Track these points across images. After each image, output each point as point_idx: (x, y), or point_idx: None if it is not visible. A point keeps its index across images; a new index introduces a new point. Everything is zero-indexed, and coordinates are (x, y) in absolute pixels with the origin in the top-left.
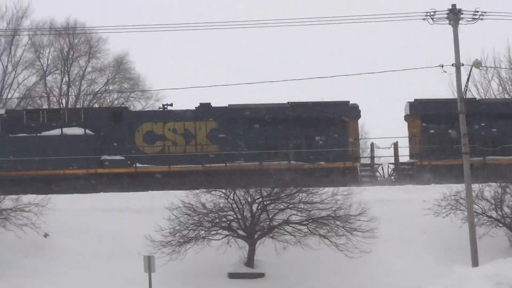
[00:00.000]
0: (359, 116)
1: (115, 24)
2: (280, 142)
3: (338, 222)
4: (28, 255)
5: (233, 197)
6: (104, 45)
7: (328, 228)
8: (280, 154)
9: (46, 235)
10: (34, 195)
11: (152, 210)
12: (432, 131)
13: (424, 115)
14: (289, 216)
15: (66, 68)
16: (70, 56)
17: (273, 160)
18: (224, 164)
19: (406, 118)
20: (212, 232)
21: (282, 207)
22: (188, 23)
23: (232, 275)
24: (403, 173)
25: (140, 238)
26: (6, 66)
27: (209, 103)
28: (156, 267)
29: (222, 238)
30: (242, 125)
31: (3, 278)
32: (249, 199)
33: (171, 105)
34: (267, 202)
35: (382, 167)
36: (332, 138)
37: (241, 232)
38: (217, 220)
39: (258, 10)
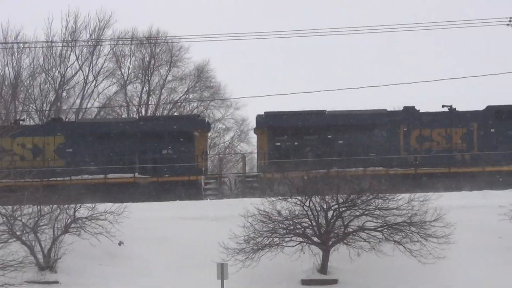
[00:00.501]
0: (209, 130)
1: (197, 33)
2: (127, 156)
3: (413, 228)
4: (102, 263)
5: (309, 204)
6: (185, 53)
7: (403, 234)
8: (125, 167)
9: (120, 243)
10: (110, 204)
11: (227, 218)
12: (278, 143)
13: (271, 127)
14: (364, 222)
15: (146, 77)
16: (151, 65)
17: (118, 173)
18: (69, 179)
19: (255, 131)
20: (286, 239)
21: (357, 213)
22: (275, 31)
23: (305, 282)
24: (248, 186)
25: (214, 246)
26: (87, 76)
27: (60, 118)
28: (229, 274)
29: (296, 245)
30: (90, 140)
31: (77, 286)
32: (325, 206)
33: (23, 120)
34: (343, 209)
35: (229, 180)
36: (179, 151)
37: (315, 239)
38: (292, 227)
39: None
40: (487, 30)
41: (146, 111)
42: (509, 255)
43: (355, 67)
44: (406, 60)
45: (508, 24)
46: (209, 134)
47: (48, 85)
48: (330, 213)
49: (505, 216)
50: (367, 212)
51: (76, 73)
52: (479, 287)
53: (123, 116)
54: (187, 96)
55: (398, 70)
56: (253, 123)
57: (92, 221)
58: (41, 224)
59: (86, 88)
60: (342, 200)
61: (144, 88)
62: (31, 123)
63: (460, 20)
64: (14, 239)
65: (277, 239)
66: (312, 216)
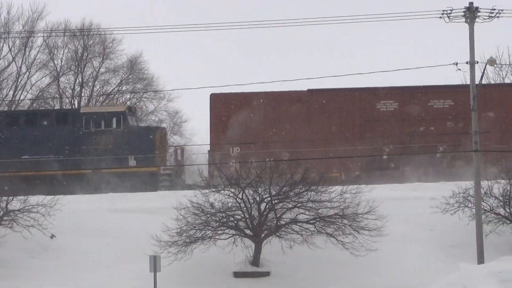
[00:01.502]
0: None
1: (130, 25)
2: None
3: (345, 221)
4: (34, 256)
5: (242, 196)
6: (118, 45)
7: (335, 226)
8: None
9: (52, 236)
10: (43, 196)
11: (160, 210)
12: None
13: None
14: (296, 215)
15: (79, 69)
16: (84, 57)
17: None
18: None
19: None
20: (219, 232)
21: (290, 206)
22: (202, 24)
23: (237, 274)
24: None
25: (147, 238)
26: (20, 68)
27: None
28: (162, 267)
29: (229, 237)
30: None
31: (9, 279)
32: (258, 198)
33: None
34: (276, 201)
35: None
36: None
37: (248, 232)
38: (225, 220)
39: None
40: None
41: (79, 103)
42: (440, 247)
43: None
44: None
45: (440, 17)
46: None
47: None
48: (263, 206)
49: (436, 209)
50: (299, 204)
51: (9, 64)
52: (410, 278)
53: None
54: (120, 88)
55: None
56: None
57: (25, 213)
58: None
59: (19, 80)
60: (275, 193)
61: (77, 80)
62: None
63: (392, 12)
64: None
65: (209, 231)
66: (245, 208)
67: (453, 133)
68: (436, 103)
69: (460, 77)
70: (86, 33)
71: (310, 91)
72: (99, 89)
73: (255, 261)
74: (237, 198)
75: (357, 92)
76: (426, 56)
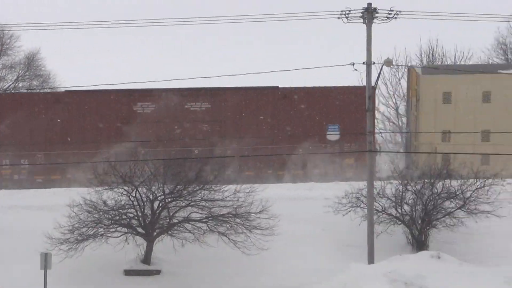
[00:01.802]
0: None
1: (28, 21)
2: None
3: (238, 220)
4: None
5: (135, 195)
6: (16, 42)
7: (227, 225)
8: None
9: None
10: None
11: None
12: None
13: None
14: (189, 213)
15: None
16: None
17: None
18: None
19: None
20: (111, 230)
21: (183, 204)
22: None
23: (128, 272)
24: None
25: (39, 236)
26: None
27: None
28: (53, 264)
29: (121, 235)
30: None
31: None
32: (151, 197)
33: None
34: (169, 200)
35: None
36: None
37: (140, 230)
38: (117, 218)
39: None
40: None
41: None
42: (332, 246)
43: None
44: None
45: (339, 18)
46: None
47: None
48: (156, 204)
49: (329, 208)
50: (192, 203)
51: None
52: (301, 278)
53: None
54: (16, 84)
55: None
56: None
57: None
58: None
59: None
60: (168, 191)
61: None
62: None
63: (291, 12)
64: None
65: (102, 229)
66: (138, 206)
67: (209, 136)
68: (193, 105)
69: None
70: None
71: (68, 91)
72: None
73: (146, 259)
74: (130, 196)
75: (113, 94)
76: (327, 56)
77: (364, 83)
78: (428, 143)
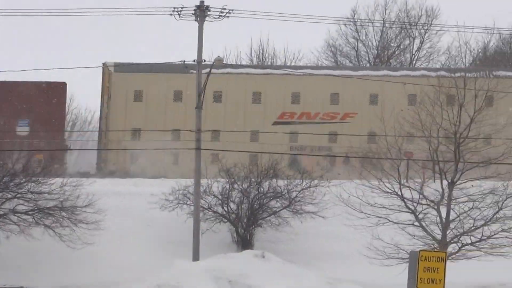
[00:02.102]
0: None
1: None
2: None
3: (64, 213)
4: None
5: None
6: None
7: (53, 219)
8: None
9: None
10: None
11: None
12: None
13: None
14: (16, 205)
15: None
16: None
17: None
18: None
19: None
20: None
21: (10, 196)
22: None
23: None
24: None
25: None
26: None
27: None
28: None
29: None
30: None
31: None
32: None
33: None
34: None
35: None
36: None
37: None
38: None
39: None
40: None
41: None
42: (157, 243)
43: None
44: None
45: (171, 14)
46: None
47: None
48: None
49: (155, 204)
50: (19, 195)
51: None
52: (125, 273)
53: None
54: None
55: None
56: None
57: None
58: None
59: None
60: None
61: None
62: None
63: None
64: None
65: None
66: None
67: None
68: None
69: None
70: None
71: None
72: None
73: None
74: None
75: None
76: (160, 53)
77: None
78: (118, 141)
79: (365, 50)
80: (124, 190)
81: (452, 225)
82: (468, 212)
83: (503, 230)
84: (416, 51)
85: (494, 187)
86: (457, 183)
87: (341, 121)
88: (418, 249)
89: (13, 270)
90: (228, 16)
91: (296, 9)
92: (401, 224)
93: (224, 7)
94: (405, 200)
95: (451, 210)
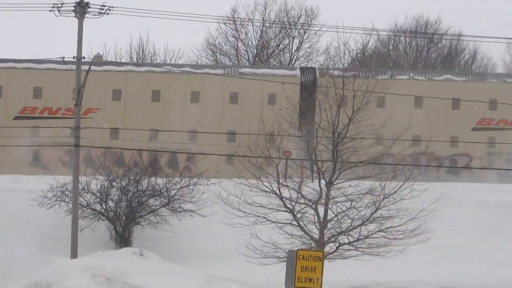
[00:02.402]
0: None
1: None
2: None
3: None
4: None
5: None
6: None
7: None
8: None
9: None
10: None
11: None
12: None
13: None
14: None
15: None
16: None
17: None
18: None
19: None
20: None
21: None
22: None
23: None
24: None
25: None
26: None
27: None
28: None
29: None
30: None
31: None
32: None
33: None
34: None
35: None
36: None
37: None
38: None
39: None
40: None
41: None
42: (35, 241)
43: None
44: None
45: (51, 11)
46: None
47: None
48: None
49: (34, 202)
50: None
51: None
52: (3, 269)
53: None
54: None
55: None
56: None
57: None
58: None
59: None
60: None
61: None
62: None
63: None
64: None
65: None
66: None
67: None
68: None
69: None
70: None
71: None
72: None
73: None
74: None
75: None
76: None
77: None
78: None
79: (244, 49)
80: (1, 187)
81: (329, 225)
82: (346, 212)
83: (380, 230)
84: (295, 51)
85: (372, 187)
86: (335, 182)
87: None
88: (296, 248)
89: None
90: (108, 13)
91: (177, 7)
92: (280, 223)
93: (104, 4)
94: (284, 199)
95: (329, 210)
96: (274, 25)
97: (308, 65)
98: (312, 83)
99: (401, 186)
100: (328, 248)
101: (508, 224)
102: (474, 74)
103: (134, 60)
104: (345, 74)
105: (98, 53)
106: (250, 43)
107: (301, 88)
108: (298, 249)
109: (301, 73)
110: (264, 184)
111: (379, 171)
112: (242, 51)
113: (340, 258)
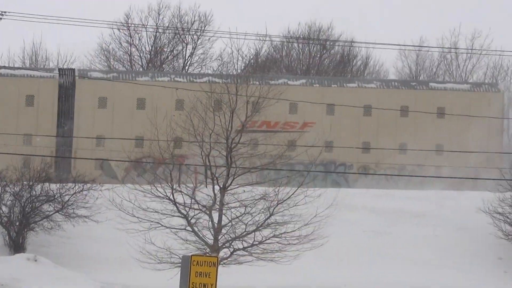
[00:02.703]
0: None
1: None
2: None
3: None
4: None
5: None
6: None
7: None
8: None
9: None
10: None
11: None
12: None
13: None
14: None
15: None
16: None
17: None
18: None
19: None
20: None
21: None
22: None
23: None
24: None
25: None
26: None
27: None
28: None
29: None
30: None
31: None
32: None
33: None
34: None
35: None
36: None
37: None
38: None
39: None
40: None
41: None
42: None
43: None
44: None
45: None
46: None
47: None
48: None
49: None
50: None
51: None
52: None
53: None
54: None
55: None
56: None
57: None
58: None
59: None
60: None
61: None
62: None
63: None
64: None
65: None
66: None
67: None
68: None
69: None
70: None
71: None
72: None
73: None
74: None
75: None
76: None
77: None
78: None
79: (138, 54)
80: None
81: (224, 230)
82: (240, 218)
83: (274, 236)
84: (189, 57)
85: (266, 192)
86: (229, 188)
87: None
88: (190, 254)
89: None
90: (1, 18)
91: (71, 12)
92: (174, 228)
93: None
94: (177, 204)
95: (223, 215)
96: (167, 31)
97: (202, 71)
98: (71, 84)
99: (294, 191)
100: (223, 253)
101: (398, 228)
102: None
103: (27, 65)
104: (106, 76)
105: None
106: (143, 48)
107: (60, 90)
108: (192, 255)
109: (59, 75)
110: (158, 190)
111: (274, 177)
112: (135, 56)
113: (234, 264)
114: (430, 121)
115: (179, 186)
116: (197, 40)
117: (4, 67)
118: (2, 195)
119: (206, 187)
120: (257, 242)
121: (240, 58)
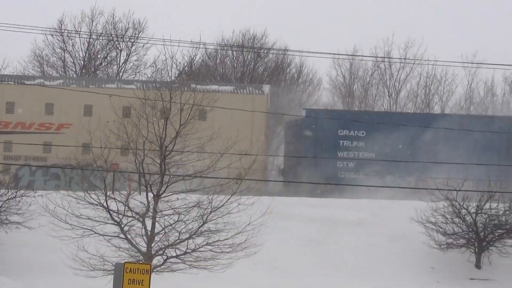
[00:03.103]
0: None
1: None
2: None
3: None
4: None
5: None
6: None
7: None
8: None
9: None
10: None
11: None
12: None
13: None
14: None
15: None
16: None
17: None
18: None
19: None
20: None
21: None
22: None
23: None
24: None
25: None
26: None
27: None
28: None
29: None
30: None
31: None
32: None
33: None
34: None
35: None
36: None
37: None
38: None
39: None
40: None
41: None
42: None
43: None
44: None
45: None
46: None
47: None
48: None
49: None
50: None
51: None
52: None
53: None
54: None
55: None
56: None
57: None
58: None
59: None
60: None
61: None
62: None
63: None
64: None
65: None
66: None
67: None
68: None
69: None
70: None
71: None
72: None
73: None
74: None
75: None
76: None
77: None
78: None
79: (72, 60)
80: None
81: (157, 238)
82: (174, 225)
83: (207, 244)
84: (123, 63)
85: (199, 200)
86: (163, 195)
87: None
88: (123, 261)
89: None
90: None
91: (3, 17)
92: (107, 235)
93: None
94: (111, 211)
95: (156, 223)
96: (101, 37)
97: (136, 78)
98: None
99: (228, 199)
100: (156, 261)
101: (333, 237)
102: None
103: None
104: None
105: None
106: (77, 54)
107: None
108: (125, 262)
109: None
110: (91, 197)
111: (208, 185)
112: (69, 62)
113: (168, 271)
114: None
115: (113, 193)
116: (131, 46)
117: None
118: None
119: (140, 194)
120: (190, 250)
121: (174, 65)
